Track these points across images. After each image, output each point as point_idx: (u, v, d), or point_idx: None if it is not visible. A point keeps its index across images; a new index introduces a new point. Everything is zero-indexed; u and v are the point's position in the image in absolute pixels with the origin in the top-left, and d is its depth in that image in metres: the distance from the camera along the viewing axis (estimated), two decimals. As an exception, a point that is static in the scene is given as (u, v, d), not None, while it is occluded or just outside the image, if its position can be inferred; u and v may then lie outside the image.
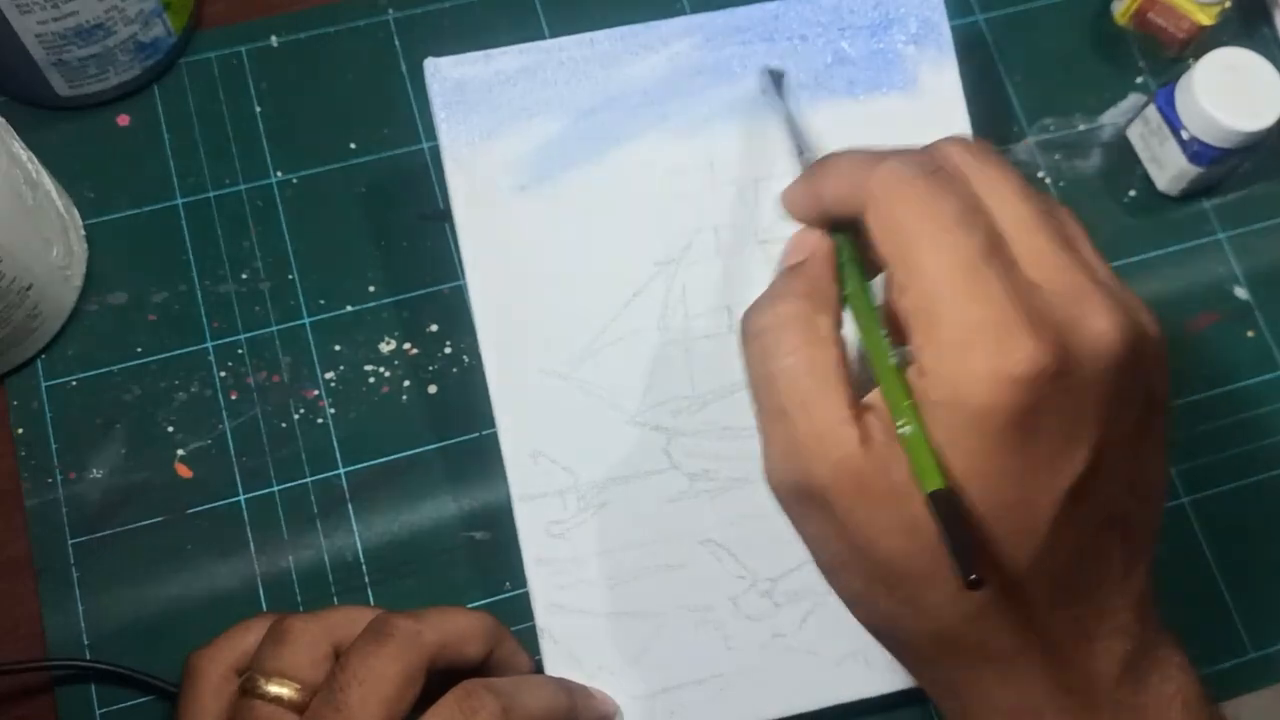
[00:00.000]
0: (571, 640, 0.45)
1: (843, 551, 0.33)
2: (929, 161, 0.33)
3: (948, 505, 0.30)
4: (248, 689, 0.39)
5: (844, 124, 0.48)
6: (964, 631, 0.33)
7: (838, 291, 0.35)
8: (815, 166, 0.37)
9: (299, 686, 0.39)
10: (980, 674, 0.34)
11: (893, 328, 0.34)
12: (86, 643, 0.47)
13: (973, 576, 0.29)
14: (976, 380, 0.30)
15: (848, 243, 0.36)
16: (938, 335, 0.31)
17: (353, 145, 0.55)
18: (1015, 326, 0.30)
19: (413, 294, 0.53)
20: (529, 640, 0.45)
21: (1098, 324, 0.32)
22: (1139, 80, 0.59)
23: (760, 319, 0.35)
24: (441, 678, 0.40)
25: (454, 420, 0.51)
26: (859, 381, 0.34)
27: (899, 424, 0.32)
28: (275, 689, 0.39)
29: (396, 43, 0.56)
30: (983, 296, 0.31)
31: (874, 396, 0.33)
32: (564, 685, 0.44)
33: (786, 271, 0.36)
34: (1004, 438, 0.31)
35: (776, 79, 0.48)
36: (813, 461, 0.32)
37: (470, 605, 0.49)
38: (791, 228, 0.38)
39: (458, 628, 0.41)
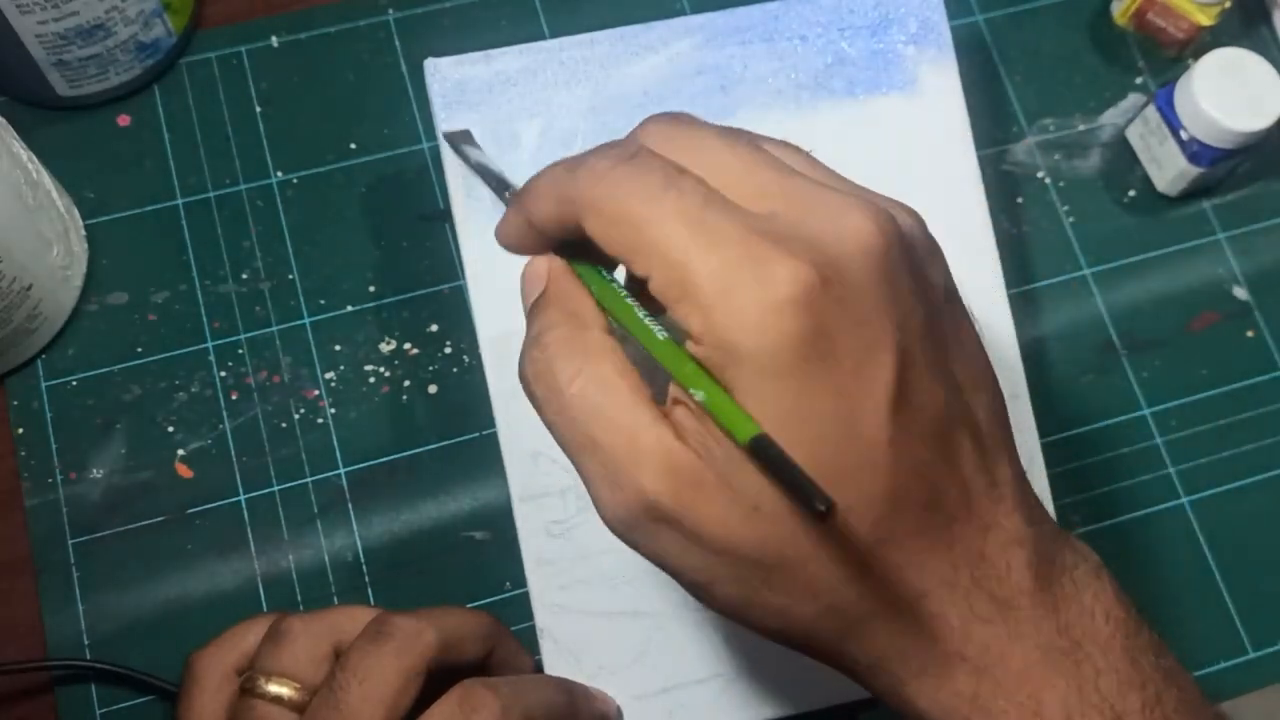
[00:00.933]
0: (571, 640, 0.45)
1: (707, 560, 0.31)
2: (626, 147, 0.32)
3: (768, 445, 0.29)
4: (248, 689, 0.40)
5: (844, 124, 0.48)
6: (854, 596, 0.31)
7: (593, 303, 0.34)
8: (520, 192, 0.35)
9: (299, 686, 0.39)
10: (892, 640, 0.32)
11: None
12: (86, 643, 0.47)
13: (820, 506, 0.27)
14: (749, 321, 0.29)
15: (577, 260, 0.35)
16: (694, 298, 0.30)
17: (353, 145, 0.55)
18: (763, 254, 0.29)
19: (413, 294, 0.53)
20: (529, 640, 0.45)
21: (849, 223, 0.30)
22: (1139, 80, 0.59)
23: (532, 362, 0.33)
24: (441, 677, 0.40)
25: (454, 420, 0.51)
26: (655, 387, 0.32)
27: (692, 391, 0.30)
28: (275, 689, 0.39)
29: (396, 43, 0.56)
30: (719, 241, 0.30)
31: (675, 389, 0.31)
32: (564, 685, 0.44)
33: (534, 307, 0.34)
34: (802, 370, 0.29)
35: (459, 139, 0.46)
36: (640, 478, 0.31)
37: (470, 605, 0.49)
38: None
39: (458, 628, 0.41)
